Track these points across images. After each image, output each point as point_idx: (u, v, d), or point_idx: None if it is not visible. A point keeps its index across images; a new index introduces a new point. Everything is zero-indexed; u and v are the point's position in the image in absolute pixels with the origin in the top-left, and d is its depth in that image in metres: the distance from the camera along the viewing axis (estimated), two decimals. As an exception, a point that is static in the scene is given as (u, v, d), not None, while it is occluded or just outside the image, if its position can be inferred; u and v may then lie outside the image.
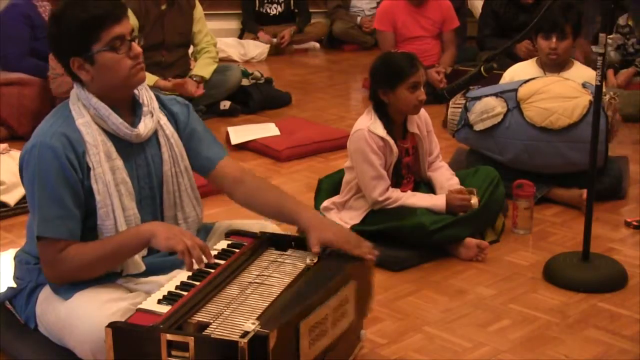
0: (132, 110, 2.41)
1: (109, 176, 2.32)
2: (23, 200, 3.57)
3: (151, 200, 2.45)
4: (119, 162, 2.35)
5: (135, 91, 2.42)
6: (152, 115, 2.42)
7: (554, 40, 3.94)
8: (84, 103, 2.34)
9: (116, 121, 2.33)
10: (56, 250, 2.28)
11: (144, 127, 2.39)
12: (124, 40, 2.29)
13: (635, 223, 3.55)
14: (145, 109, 2.41)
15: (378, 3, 7.50)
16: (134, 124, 2.38)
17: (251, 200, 2.55)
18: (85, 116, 2.33)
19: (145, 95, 2.44)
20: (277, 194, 2.57)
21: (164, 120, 2.47)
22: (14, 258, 2.57)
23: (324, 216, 3.18)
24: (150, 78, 4.79)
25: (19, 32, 4.99)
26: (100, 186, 2.31)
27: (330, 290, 2.22)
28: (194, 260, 2.25)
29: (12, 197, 3.74)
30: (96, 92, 2.33)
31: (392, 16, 5.67)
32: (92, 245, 2.32)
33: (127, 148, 2.38)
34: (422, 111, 3.40)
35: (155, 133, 2.45)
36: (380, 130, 3.23)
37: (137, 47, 2.32)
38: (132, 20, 4.96)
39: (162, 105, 2.52)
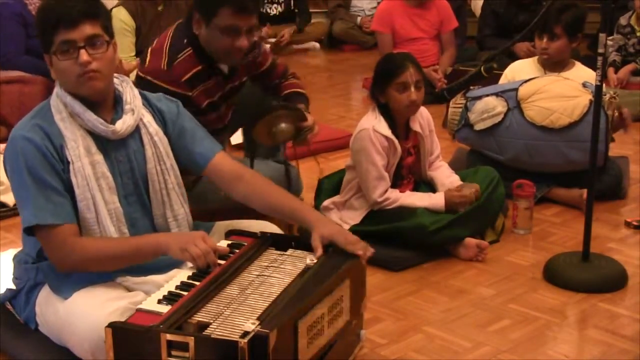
0: (113, 107, 2.41)
1: (88, 170, 2.33)
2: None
3: (137, 197, 2.46)
4: (98, 157, 2.36)
5: (119, 87, 2.42)
6: (134, 113, 2.42)
7: (544, 40, 3.97)
8: (61, 100, 2.35)
9: (91, 118, 2.34)
10: (61, 236, 2.28)
11: (122, 124, 2.38)
12: (74, 46, 2.26)
13: (635, 223, 3.55)
14: (127, 106, 2.41)
15: (378, 3, 7.52)
16: (114, 120, 2.39)
17: (252, 197, 2.55)
18: (63, 112, 2.34)
19: (129, 92, 2.43)
20: (279, 191, 2.58)
21: (148, 118, 2.47)
22: (13, 259, 2.57)
23: (325, 215, 3.20)
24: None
25: (13, 30, 5.00)
26: (80, 180, 2.32)
27: (326, 289, 2.22)
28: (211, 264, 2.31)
29: (11, 197, 3.74)
30: (68, 91, 2.34)
31: (390, 18, 5.68)
32: (109, 242, 2.34)
33: (106, 144, 2.39)
34: (425, 111, 3.41)
35: (139, 130, 2.44)
36: (385, 130, 3.24)
37: (83, 55, 2.26)
38: (128, 21, 4.95)
39: (149, 103, 2.51)
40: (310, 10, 7.68)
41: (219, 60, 3.07)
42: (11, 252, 2.93)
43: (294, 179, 3.45)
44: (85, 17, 2.27)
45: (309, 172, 4.23)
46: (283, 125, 3.13)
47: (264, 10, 7.48)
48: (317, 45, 7.70)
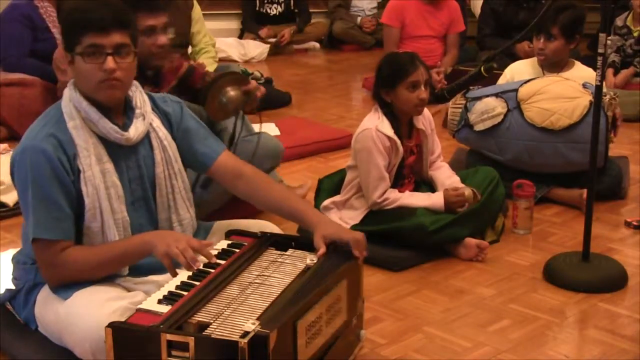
0: (124, 112, 2.41)
1: (98, 179, 2.32)
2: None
3: (144, 201, 2.45)
4: (109, 166, 2.35)
5: (130, 92, 2.41)
6: (144, 119, 2.41)
7: (541, 41, 3.96)
8: (75, 105, 2.33)
9: (106, 125, 2.33)
10: (54, 251, 2.28)
11: (135, 130, 2.38)
12: (101, 51, 2.26)
13: (635, 223, 3.55)
14: (137, 111, 2.41)
15: (379, 3, 7.52)
16: (125, 126, 2.38)
17: (254, 195, 2.56)
18: (76, 119, 2.32)
19: (139, 97, 2.43)
20: (280, 189, 2.59)
21: (157, 122, 2.47)
22: (12, 259, 2.57)
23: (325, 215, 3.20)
24: None
25: (19, 33, 4.99)
26: (90, 189, 2.31)
27: (324, 289, 2.22)
28: (189, 262, 2.25)
29: (11, 197, 3.74)
30: (82, 93, 2.33)
31: (402, 12, 5.69)
32: (96, 250, 2.33)
33: (117, 150, 2.38)
34: (426, 110, 3.40)
35: (148, 135, 2.44)
36: (388, 130, 3.23)
37: (110, 62, 2.26)
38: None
39: (155, 106, 2.51)
40: (310, 10, 7.68)
41: (146, 65, 3.13)
42: (11, 252, 2.93)
43: (249, 145, 3.31)
44: (117, 25, 2.27)
45: (309, 172, 4.24)
46: (231, 92, 3.09)
47: (264, 10, 7.48)
48: (317, 45, 7.70)
